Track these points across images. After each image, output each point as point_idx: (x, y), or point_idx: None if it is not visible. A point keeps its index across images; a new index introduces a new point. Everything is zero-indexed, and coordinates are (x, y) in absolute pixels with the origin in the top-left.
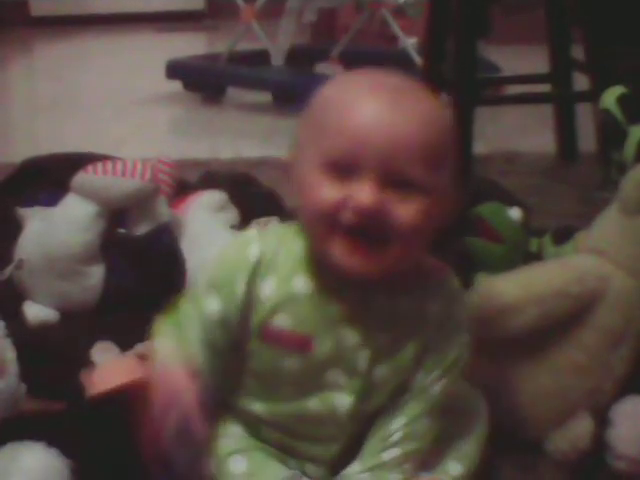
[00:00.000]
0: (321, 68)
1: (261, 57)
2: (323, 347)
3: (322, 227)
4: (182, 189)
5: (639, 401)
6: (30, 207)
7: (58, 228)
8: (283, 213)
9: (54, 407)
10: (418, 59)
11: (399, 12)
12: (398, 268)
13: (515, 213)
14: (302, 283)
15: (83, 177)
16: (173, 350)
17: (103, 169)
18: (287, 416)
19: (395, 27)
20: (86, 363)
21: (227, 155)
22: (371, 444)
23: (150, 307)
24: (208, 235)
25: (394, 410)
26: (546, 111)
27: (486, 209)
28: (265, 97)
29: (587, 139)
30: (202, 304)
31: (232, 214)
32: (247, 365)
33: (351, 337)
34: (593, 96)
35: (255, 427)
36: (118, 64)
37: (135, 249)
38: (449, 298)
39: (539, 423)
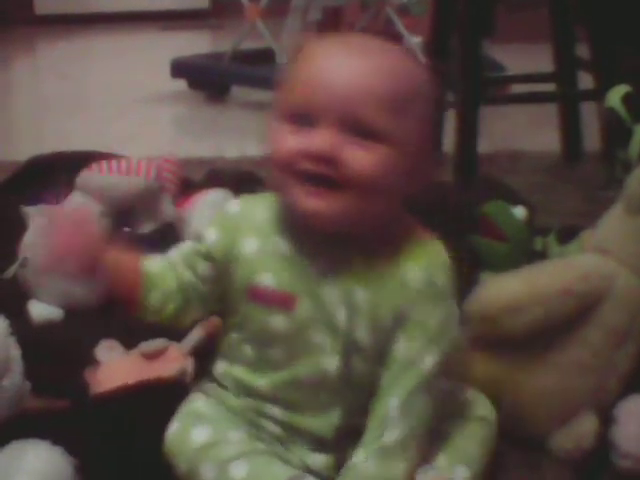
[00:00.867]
0: None
1: (266, 56)
2: (305, 305)
3: (284, 176)
4: (186, 188)
5: None
6: (35, 205)
7: None
8: None
9: (58, 405)
10: (422, 58)
11: (404, 11)
12: (361, 217)
13: (519, 212)
14: (282, 243)
15: (88, 176)
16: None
17: (108, 168)
18: (284, 387)
19: (400, 26)
20: (90, 362)
21: (232, 154)
22: (370, 428)
23: None
24: None
25: (388, 389)
26: (551, 110)
27: (491, 208)
28: (269, 96)
29: (592, 138)
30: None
31: None
32: (241, 331)
33: (330, 294)
34: (598, 95)
35: (259, 409)
36: (122, 62)
37: (140, 247)
38: (432, 264)
39: (543, 421)
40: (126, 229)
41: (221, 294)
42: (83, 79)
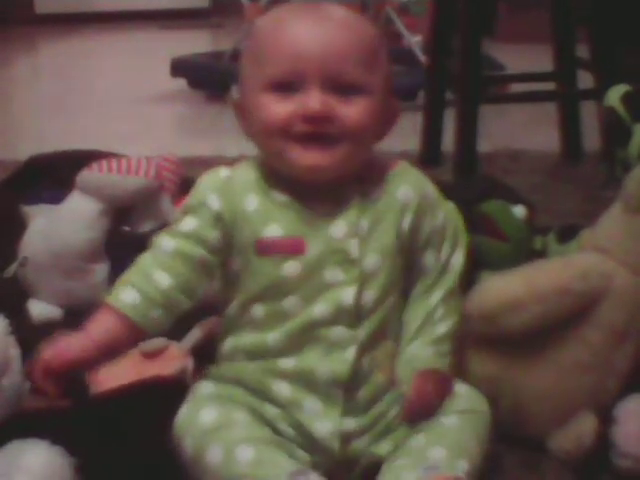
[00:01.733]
0: None
1: None
2: (315, 245)
3: (277, 140)
4: (186, 187)
5: None
6: (35, 205)
7: (62, 226)
8: None
9: (58, 405)
10: (423, 57)
11: (404, 10)
12: (353, 163)
13: (519, 211)
14: (281, 195)
15: (87, 175)
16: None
17: (107, 167)
18: (299, 334)
19: (400, 25)
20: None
21: (232, 153)
22: (419, 323)
23: None
24: None
25: (429, 291)
26: (550, 109)
27: (490, 207)
28: None
29: (592, 137)
30: (176, 226)
31: None
32: (250, 291)
33: (338, 229)
34: (598, 94)
35: (270, 368)
36: (123, 61)
37: (139, 247)
38: (416, 182)
39: (542, 421)
40: (125, 228)
41: (226, 261)
42: (83, 78)
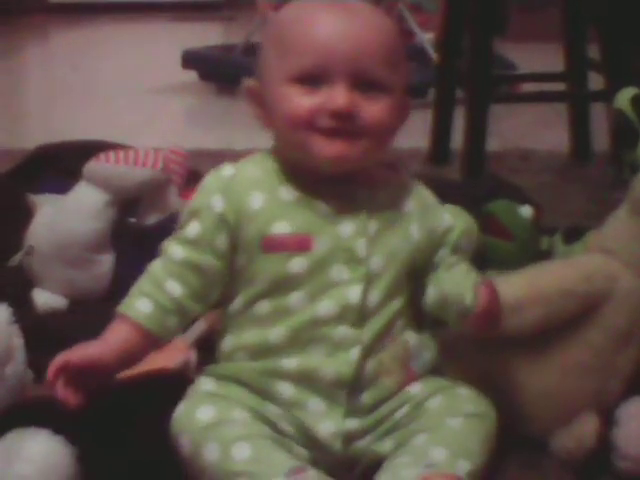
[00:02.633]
0: None
1: None
2: (322, 243)
3: (300, 132)
4: (194, 179)
5: None
6: (41, 194)
7: (69, 216)
8: None
9: None
10: (434, 55)
11: (416, 7)
12: (372, 158)
13: (526, 211)
14: (288, 192)
15: (95, 165)
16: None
17: (115, 158)
18: (303, 330)
19: (411, 22)
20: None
21: (241, 146)
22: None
23: None
24: None
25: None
26: (560, 110)
27: (497, 206)
28: None
29: (601, 139)
30: (183, 232)
31: None
32: (255, 288)
33: (347, 228)
34: (608, 96)
35: (273, 367)
36: (134, 53)
37: (145, 238)
38: (417, 192)
39: (544, 422)
40: (132, 220)
41: (232, 261)
42: (94, 68)
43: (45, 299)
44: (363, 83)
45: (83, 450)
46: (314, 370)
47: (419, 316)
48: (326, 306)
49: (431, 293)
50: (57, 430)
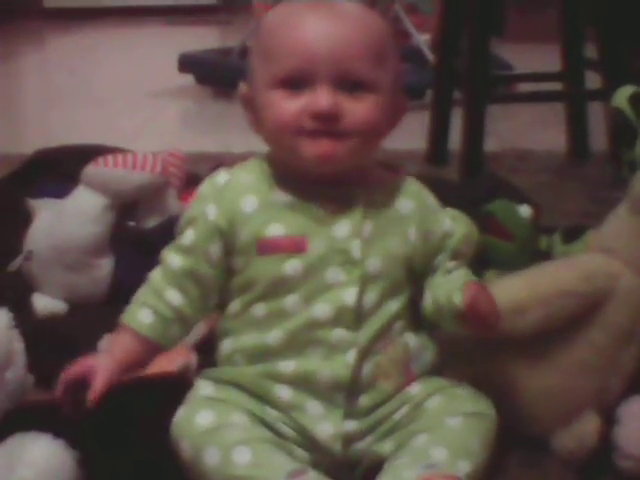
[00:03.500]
0: None
1: None
2: (317, 244)
3: (287, 136)
4: (192, 182)
5: None
6: (40, 199)
7: (68, 220)
8: None
9: None
10: (431, 55)
11: (412, 9)
12: (361, 157)
13: (525, 211)
14: (282, 195)
15: (93, 169)
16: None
17: (113, 162)
18: (300, 332)
19: (408, 23)
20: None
21: (238, 149)
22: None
23: None
24: None
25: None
26: (558, 109)
27: (496, 206)
28: None
29: (599, 138)
30: (179, 240)
31: None
32: (250, 291)
33: (341, 229)
34: (605, 95)
35: (270, 371)
36: (130, 57)
37: (144, 242)
38: (417, 193)
39: (546, 421)
40: (131, 223)
41: (228, 266)
42: (91, 73)
43: (45, 303)
44: (347, 83)
45: (84, 454)
46: (311, 373)
47: (419, 317)
48: (322, 309)
49: (427, 298)
50: (58, 434)
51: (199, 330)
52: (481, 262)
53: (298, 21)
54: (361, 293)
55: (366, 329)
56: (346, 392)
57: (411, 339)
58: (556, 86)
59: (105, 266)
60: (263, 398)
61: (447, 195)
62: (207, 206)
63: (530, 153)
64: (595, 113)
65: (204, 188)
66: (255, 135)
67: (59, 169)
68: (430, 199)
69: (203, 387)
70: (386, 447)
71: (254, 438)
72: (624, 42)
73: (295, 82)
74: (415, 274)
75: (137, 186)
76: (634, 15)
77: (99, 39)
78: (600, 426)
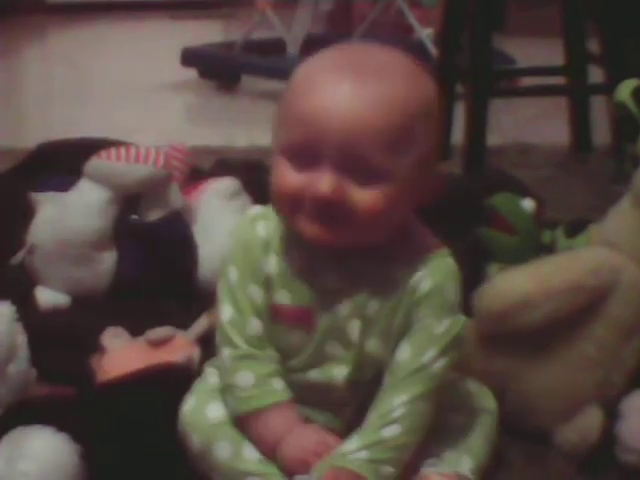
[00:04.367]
0: None
1: (276, 46)
2: (323, 319)
3: (287, 207)
4: (195, 176)
5: None
6: (43, 192)
7: (71, 213)
8: None
9: (64, 392)
10: (433, 50)
11: (415, 2)
12: (364, 242)
13: (528, 204)
14: (295, 258)
15: (96, 163)
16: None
17: (116, 155)
18: (297, 387)
19: (411, 17)
20: (97, 348)
21: (241, 143)
22: (371, 420)
23: (161, 293)
24: (220, 222)
25: (394, 389)
26: (561, 103)
27: (499, 200)
28: (280, 86)
29: (601, 132)
30: (245, 294)
31: (244, 201)
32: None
33: (343, 308)
34: (608, 89)
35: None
36: (133, 51)
37: (147, 235)
38: (442, 275)
39: (548, 415)
40: (134, 217)
41: None
42: (93, 67)
43: (48, 297)
44: (358, 168)
45: (86, 447)
46: (308, 415)
47: None
48: (316, 376)
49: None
50: (61, 428)
51: (202, 324)
52: (483, 256)
53: (314, 87)
54: (355, 371)
55: (361, 393)
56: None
57: None
58: (559, 80)
59: (108, 259)
60: None
61: (450, 189)
62: (251, 288)
63: (533, 147)
64: (598, 107)
65: (246, 238)
66: (257, 129)
67: (62, 163)
68: (451, 289)
69: (211, 374)
70: None
71: (267, 471)
72: (627, 36)
73: (300, 155)
74: None
75: (140, 179)
76: (636, 9)
77: (101, 33)
78: (602, 420)
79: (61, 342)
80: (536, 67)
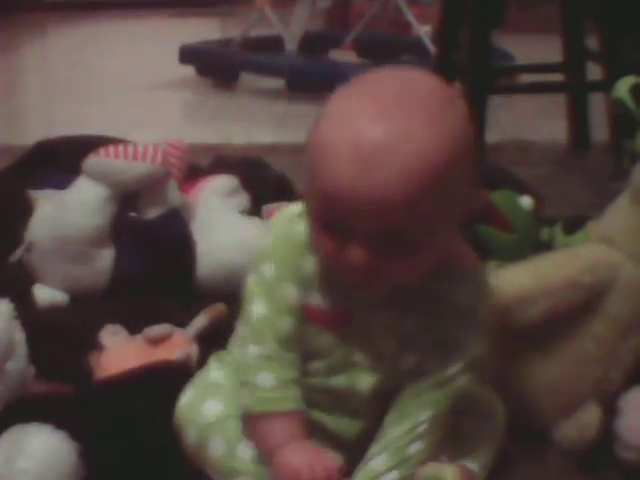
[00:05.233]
0: (335, 55)
1: (274, 43)
2: (355, 326)
3: (329, 262)
4: (193, 173)
5: None
6: (42, 190)
7: (69, 211)
8: (294, 198)
9: (62, 390)
10: (431, 47)
11: (413, 0)
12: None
13: (526, 202)
14: None
15: (95, 160)
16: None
17: (115, 152)
18: (315, 391)
19: (409, 15)
20: (95, 346)
21: (239, 140)
22: (397, 435)
23: (160, 291)
24: (218, 219)
25: (420, 399)
26: (559, 100)
27: (497, 197)
28: (278, 83)
29: (600, 129)
30: (281, 292)
31: (242, 199)
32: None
33: (380, 321)
34: (606, 86)
35: None
36: (132, 49)
37: (145, 233)
38: (478, 292)
39: (547, 412)
40: (132, 214)
41: None
42: (92, 65)
43: (45, 294)
44: (392, 239)
45: (85, 445)
46: (321, 420)
47: None
48: (338, 382)
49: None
50: (59, 425)
51: (199, 322)
52: (481, 253)
53: (343, 146)
54: (383, 383)
55: (382, 403)
56: (352, 444)
57: None
58: (557, 77)
59: (106, 257)
60: None
61: None
62: (286, 287)
63: (531, 144)
64: (596, 104)
65: (286, 237)
66: (256, 126)
67: (60, 160)
68: (482, 307)
69: (214, 369)
70: None
71: None
72: (625, 33)
73: (334, 224)
74: None
75: (138, 177)
76: (635, 7)
77: (100, 31)
78: (601, 417)
79: (59, 340)
80: (535, 64)
